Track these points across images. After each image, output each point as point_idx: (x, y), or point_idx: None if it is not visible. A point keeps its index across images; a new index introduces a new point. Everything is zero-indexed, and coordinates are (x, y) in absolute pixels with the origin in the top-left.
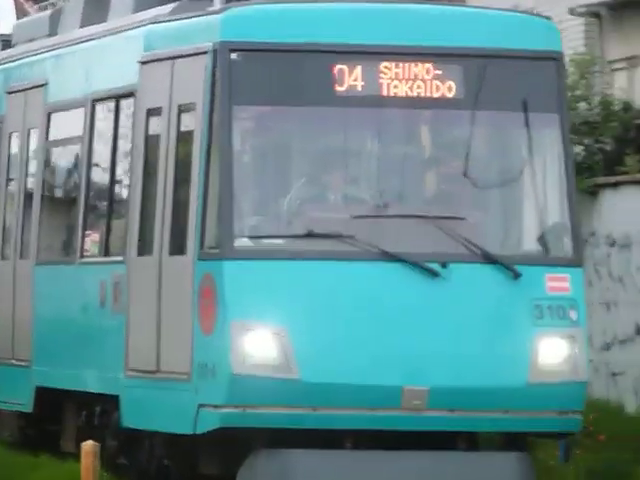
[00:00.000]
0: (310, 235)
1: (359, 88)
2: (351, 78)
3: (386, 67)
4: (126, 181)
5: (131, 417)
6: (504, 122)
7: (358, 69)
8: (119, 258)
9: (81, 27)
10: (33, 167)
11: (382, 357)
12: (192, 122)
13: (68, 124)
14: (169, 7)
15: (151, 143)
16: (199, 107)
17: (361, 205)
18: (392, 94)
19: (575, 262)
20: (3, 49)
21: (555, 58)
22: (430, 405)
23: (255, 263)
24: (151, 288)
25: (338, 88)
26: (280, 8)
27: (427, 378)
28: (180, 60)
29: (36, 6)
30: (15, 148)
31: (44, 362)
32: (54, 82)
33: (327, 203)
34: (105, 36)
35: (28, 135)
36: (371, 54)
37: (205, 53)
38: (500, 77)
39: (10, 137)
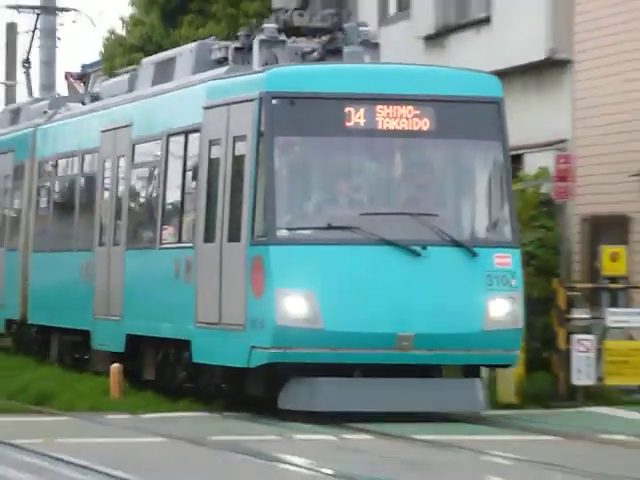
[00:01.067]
0: (329, 227)
1: (362, 124)
2: (356, 116)
3: (380, 109)
4: (192, 190)
5: (200, 355)
6: (463, 146)
7: (361, 110)
8: (189, 244)
9: (152, 85)
10: (122, 182)
11: (381, 312)
12: (243, 148)
13: (148, 152)
14: (222, 70)
15: (212, 163)
16: (249, 137)
17: (364, 206)
18: (385, 128)
19: (514, 245)
20: (92, 102)
21: (497, 102)
22: (415, 346)
23: (291, 247)
24: (214, 266)
25: (347, 124)
26: (305, 68)
27: (413, 327)
28: (234, 105)
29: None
30: (108, 170)
31: (131, 317)
32: (137, 123)
33: (340, 204)
34: (175, 90)
35: (118, 160)
36: (370, 100)
37: (253, 100)
38: (460, 114)
39: (104, 162)
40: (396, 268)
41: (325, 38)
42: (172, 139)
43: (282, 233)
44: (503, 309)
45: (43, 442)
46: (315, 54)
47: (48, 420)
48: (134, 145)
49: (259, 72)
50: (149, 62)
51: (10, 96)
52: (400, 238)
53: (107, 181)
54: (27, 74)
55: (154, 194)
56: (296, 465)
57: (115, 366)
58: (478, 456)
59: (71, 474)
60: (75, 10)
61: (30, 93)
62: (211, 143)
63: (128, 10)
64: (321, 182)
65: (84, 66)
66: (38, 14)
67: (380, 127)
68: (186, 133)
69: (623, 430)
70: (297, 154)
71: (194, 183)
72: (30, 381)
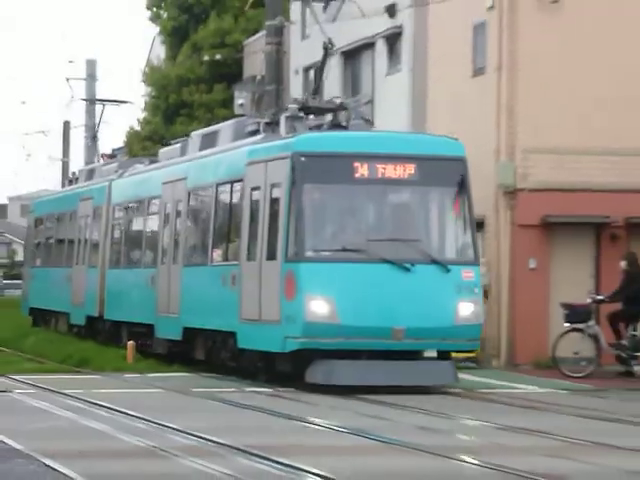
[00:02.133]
0: (343, 250)
1: (365, 175)
2: (362, 169)
3: (379, 164)
4: (236, 223)
5: (243, 342)
6: (438, 192)
7: (365, 165)
8: (235, 262)
9: (200, 150)
10: (179, 219)
11: (381, 311)
12: (278, 192)
13: (200, 197)
14: (259, 137)
15: (253, 204)
16: (284, 184)
17: (368, 234)
18: (382, 177)
19: (475, 263)
20: (150, 163)
21: (462, 159)
22: (405, 336)
23: (316, 264)
24: (255, 277)
25: (355, 175)
26: (324, 135)
27: (404, 322)
28: (271, 162)
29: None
30: (168, 210)
31: (186, 314)
32: (191, 177)
33: (350, 233)
34: (222, 153)
35: (177, 204)
36: (371, 157)
37: (287, 158)
38: (435, 168)
39: (165, 206)
40: (392, 279)
41: (330, 116)
42: (220, 187)
43: (309, 254)
44: (469, 310)
45: (82, 392)
46: (324, 127)
47: (86, 377)
48: (189, 192)
49: (291, 138)
50: (196, 135)
51: (65, 169)
52: (394, 258)
53: (167, 219)
54: (95, 149)
55: (205, 227)
56: (245, 406)
57: (130, 343)
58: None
59: (101, 413)
60: (131, 102)
61: (91, 162)
62: (252, 189)
63: (142, 114)
64: (336, 217)
65: (113, 150)
66: (104, 105)
67: (379, 177)
68: (231, 183)
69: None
70: (319, 197)
71: (239, 218)
72: (75, 351)
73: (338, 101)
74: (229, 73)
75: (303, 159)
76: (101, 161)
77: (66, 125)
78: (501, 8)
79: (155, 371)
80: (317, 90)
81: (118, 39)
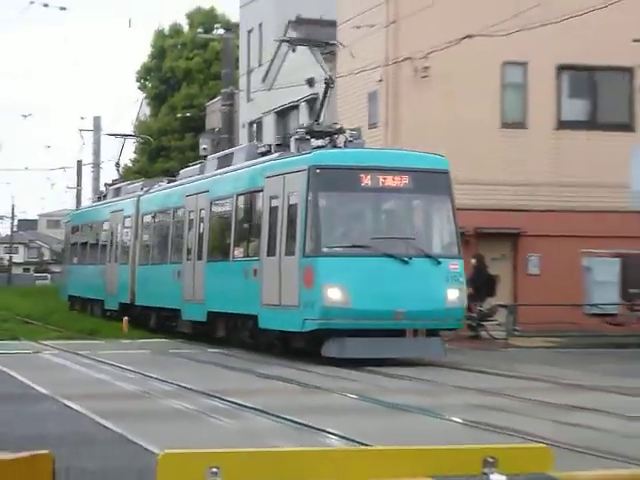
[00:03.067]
0: (352, 246)
1: (370, 184)
2: (366, 180)
3: (380, 175)
4: (256, 226)
5: (264, 323)
6: (428, 198)
7: (369, 176)
8: (256, 258)
9: (217, 169)
10: (202, 224)
11: (384, 297)
12: (296, 199)
13: (221, 206)
14: (275, 155)
15: (272, 210)
16: (301, 192)
17: (372, 233)
18: (382, 186)
19: (459, 257)
20: (168, 182)
21: (447, 172)
22: (405, 317)
23: (331, 258)
24: (275, 270)
25: (361, 184)
26: (335, 151)
27: (404, 306)
28: (288, 174)
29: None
30: (192, 217)
31: (210, 300)
32: (212, 190)
33: (358, 233)
34: (240, 170)
35: (200, 212)
36: (374, 170)
37: (304, 170)
38: (426, 179)
39: (189, 214)
40: (393, 271)
41: (329, 138)
42: (240, 197)
43: (325, 250)
44: (455, 295)
45: (91, 352)
46: (326, 147)
47: (93, 342)
48: (211, 202)
49: (307, 154)
50: (212, 157)
51: (79, 195)
52: (395, 252)
53: (191, 224)
54: (119, 175)
55: (227, 229)
56: (207, 362)
57: (125, 319)
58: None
59: (104, 367)
60: (147, 138)
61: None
62: (271, 197)
63: (133, 155)
64: (346, 219)
65: (113, 180)
66: (125, 139)
67: (380, 186)
68: (251, 193)
69: None
70: (331, 203)
71: (258, 222)
72: (86, 325)
73: (337, 127)
74: (196, 126)
75: (318, 171)
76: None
77: (79, 163)
78: (387, 81)
79: (143, 338)
80: (318, 117)
81: (116, 101)
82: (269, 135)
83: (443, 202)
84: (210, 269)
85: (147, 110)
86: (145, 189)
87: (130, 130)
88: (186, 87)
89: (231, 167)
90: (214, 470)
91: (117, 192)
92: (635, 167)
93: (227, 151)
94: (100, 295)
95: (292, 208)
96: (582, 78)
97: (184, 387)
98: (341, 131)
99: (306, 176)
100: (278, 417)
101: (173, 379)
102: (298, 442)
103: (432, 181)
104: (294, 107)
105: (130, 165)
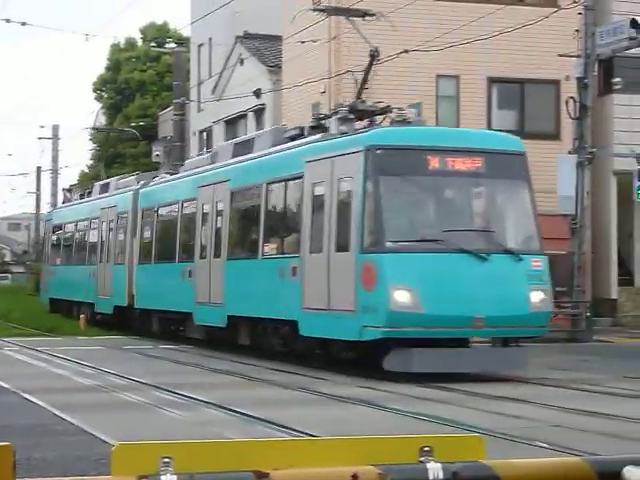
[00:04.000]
0: (422, 240)
1: (438, 167)
2: (435, 162)
3: (450, 157)
4: (293, 218)
5: (307, 330)
6: (505, 184)
7: (437, 158)
8: (295, 254)
9: (232, 157)
10: (220, 217)
11: (461, 300)
12: (349, 185)
13: (245, 196)
14: (316, 137)
15: (316, 198)
16: (356, 178)
17: (444, 224)
18: (453, 170)
19: (542, 253)
20: (172, 175)
21: (523, 154)
22: (485, 324)
23: (397, 255)
24: (321, 269)
25: (428, 167)
26: (397, 129)
27: (483, 311)
28: (338, 157)
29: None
30: (206, 210)
31: (231, 303)
32: (233, 178)
33: (427, 224)
34: (269, 155)
35: (216, 204)
36: (442, 151)
37: (359, 152)
38: (501, 162)
39: (203, 207)
40: (469, 269)
41: (377, 118)
42: (271, 186)
43: (389, 245)
44: (539, 297)
45: (50, 348)
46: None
47: (52, 339)
48: (232, 193)
49: (363, 133)
50: (226, 144)
51: (38, 199)
52: (471, 248)
53: (205, 217)
54: (68, 191)
55: (254, 223)
56: (160, 357)
57: (82, 316)
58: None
59: (62, 362)
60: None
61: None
62: (314, 184)
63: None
64: (412, 208)
65: (70, 185)
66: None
67: (450, 169)
68: (285, 181)
69: None
70: (395, 189)
71: (296, 213)
72: (45, 322)
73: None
74: (149, 134)
75: (378, 152)
76: (61, 194)
77: (38, 169)
78: (330, 92)
79: (99, 335)
80: (360, 94)
81: (74, 111)
82: (219, 143)
83: (521, 188)
84: (231, 268)
85: (103, 119)
86: (142, 182)
87: (88, 139)
88: (140, 98)
89: (254, 154)
90: (166, 460)
91: (105, 188)
92: (561, 174)
93: (245, 137)
94: (90, 298)
95: (344, 196)
96: (511, 90)
97: (138, 381)
98: (388, 110)
99: (363, 158)
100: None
101: (127, 373)
102: None
103: (509, 164)
104: (242, 116)
105: (87, 171)
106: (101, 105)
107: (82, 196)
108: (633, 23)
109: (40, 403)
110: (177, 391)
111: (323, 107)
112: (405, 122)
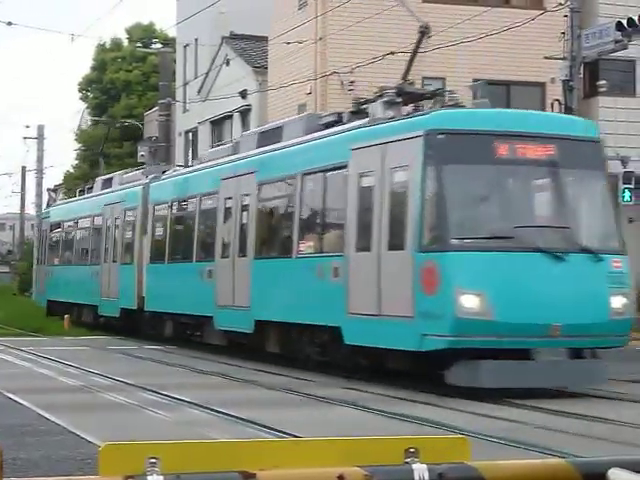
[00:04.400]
0: (491, 237)
1: (509, 155)
2: (504, 149)
3: (521, 143)
4: (335, 212)
5: (351, 338)
6: (581, 175)
7: (506, 144)
8: (338, 253)
9: (257, 147)
10: (246, 212)
11: (537, 306)
12: (405, 175)
13: (275, 189)
14: (362, 122)
15: (363, 190)
16: (413, 167)
17: (515, 220)
18: (524, 158)
19: (624, 253)
20: (187, 167)
21: (598, 141)
22: (562, 333)
23: (464, 254)
24: (370, 269)
25: (497, 155)
26: (461, 111)
27: (561, 318)
28: (392, 144)
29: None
30: (229, 204)
31: (259, 307)
32: (262, 169)
33: (496, 219)
34: (305, 144)
35: (241, 198)
36: (513, 136)
37: (418, 137)
38: (577, 150)
39: (226, 201)
40: (545, 270)
41: (427, 102)
42: (307, 177)
43: (454, 242)
44: (620, 302)
45: (34, 348)
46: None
47: (37, 339)
48: (259, 185)
49: (423, 115)
50: (249, 133)
51: (22, 198)
52: (546, 246)
53: (229, 213)
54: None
55: (286, 218)
56: (145, 358)
57: (67, 316)
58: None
59: (47, 362)
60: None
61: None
62: (360, 175)
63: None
64: (479, 201)
65: (55, 185)
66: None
67: (521, 157)
68: (325, 171)
69: None
70: (459, 179)
71: (339, 207)
72: (30, 322)
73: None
74: (134, 135)
75: (441, 137)
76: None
77: (23, 169)
78: (316, 93)
79: (83, 335)
80: (407, 75)
81: (59, 111)
82: (205, 143)
83: (599, 180)
84: (259, 268)
85: (89, 119)
86: (152, 176)
87: (73, 139)
88: (125, 98)
89: (284, 143)
90: (153, 460)
91: (108, 183)
92: None
93: (272, 125)
94: (93, 300)
95: (398, 187)
96: (497, 92)
97: (123, 382)
98: (439, 93)
99: (423, 144)
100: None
101: (112, 374)
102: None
103: (585, 152)
104: (228, 117)
105: (72, 171)
106: (86, 105)
107: (82, 192)
108: (619, 26)
109: (25, 403)
110: (162, 391)
111: (309, 108)
112: (458, 107)
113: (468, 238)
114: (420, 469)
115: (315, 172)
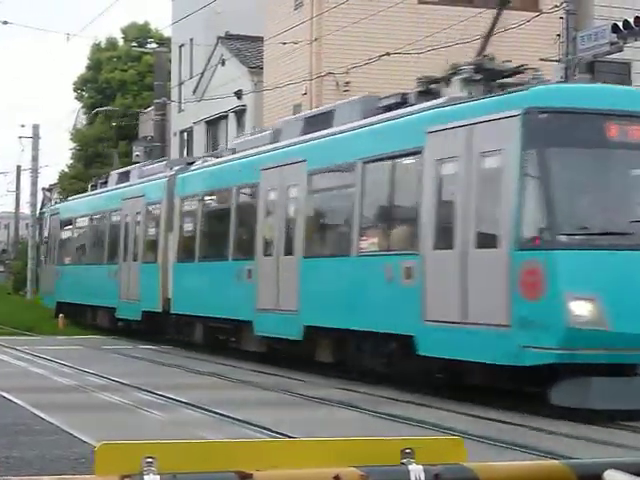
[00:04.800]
0: (605, 233)
1: (621, 137)
2: (615, 130)
3: (636, 125)
4: (406, 204)
5: (427, 348)
6: None
7: (619, 125)
8: (411, 252)
9: (301, 134)
10: (292, 206)
11: None
12: (497, 161)
13: (331, 179)
14: (441, 101)
15: (442, 178)
16: (509, 150)
17: (632, 213)
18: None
19: None
20: (216, 158)
21: None
22: None
23: (575, 252)
24: (452, 269)
25: (608, 136)
26: (566, 86)
27: None
28: (480, 125)
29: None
30: (272, 197)
31: (309, 311)
32: (312, 157)
33: (610, 211)
34: (363, 128)
35: (287, 190)
36: (626, 116)
37: (515, 116)
38: None
39: (268, 193)
40: None
41: (511, 80)
42: (368, 165)
43: (563, 239)
44: None
45: (29, 348)
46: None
47: (31, 338)
48: (310, 175)
49: (520, 91)
50: (292, 119)
51: (17, 197)
52: None
53: (271, 206)
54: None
55: (343, 211)
56: (139, 358)
57: (61, 316)
58: None
59: (41, 362)
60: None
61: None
62: (438, 161)
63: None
64: (589, 191)
65: (50, 185)
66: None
67: (638, 140)
68: (394, 158)
69: None
70: (565, 165)
71: (411, 198)
72: (23, 321)
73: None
74: (129, 134)
75: (542, 116)
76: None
77: (18, 168)
78: (311, 94)
79: (78, 334)
80: (483, 50)
81: (54, 110)
82: (200, 143)
83: None
84: (310, 268)
85: (84, 119)
86: (178, 168)
87: (68, 138)
88: (121, 97)
89: (338, 128)
90: (149, 460)
91: (124, 177)
92: None
93: (319, 109)
94: (110, 302)
95: (489, 174)
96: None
97: (117, 381)
98: (522, 70)
99: (521, 124)
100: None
101: (106, 373)
102: None
103: None
104: (223, 117)
105: (67, 171)
106: (81, 104)
107: (94, 187)
108: (614, 28)
109: (19, 402)
110: (156, 391)
111: (304, 109)
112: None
113: (578, 234)
114: (416, 470)
115: (380, 159)
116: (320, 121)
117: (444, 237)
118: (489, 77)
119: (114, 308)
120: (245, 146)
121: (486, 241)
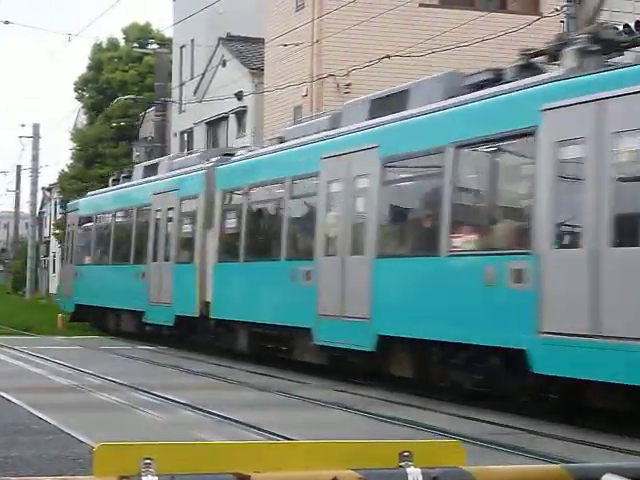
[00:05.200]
0: None
1: None
2: None
3: None
4: (510, 195)
5: (543, 366)
6: None
7: None
8: (520, 250)
9: (369, 118)
10: (360, 198)
11: None
12: (636, 142)
13: (410, 168)
14: (558, 74)
15: (563, 162)
16: None
17: None
18: None
19: None
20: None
21: None
22: None
23: None
24: (579, 272)
25: None
26: None
27: None
28: (614, 99)
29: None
30: (334, 189)
31: (384, 319)
32: (385, 143)
33: None
34: (450, 109)
35: (353, 181)
36: None
37: None
38: None
39: (329, 185)
40: None
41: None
42: (460, 151)
43: None
44: None
45: (27, 347)
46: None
47: (30, 338)
48: (383, 163)
49: None
50: (356, 101)
51: (17, 197)
52: None
53: (333, 199)
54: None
55: (427, 205)
56: (136, 358)
57: (60, 316)
58: None
59: (40, 362)
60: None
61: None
62: (558, 145)
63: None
64: None
65: (49, 184)
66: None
67: None
68: (494, 141)
69: None
70: None
71: (519, 188)
72: (21, 321)
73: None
74: (129, 135)
75: None
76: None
77: (18, 168)
78: (312, 96)
79: (77, 335)
80: (594, 19)
81: (55, 110)
82: (200, 144)
83: None
84: (385, 269)
85: (84, 119)
86: (216, 159)
87: (68, 138)
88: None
89: (416, 110)
90: (147, 461)
91: (151, 170)
92: None
93: (391, 89)
94: (136, 305)
95: (629, 157)
96: None
97: (115, 382)
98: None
99: None
100: None
101: (104, 373)
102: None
103: None
104: (224, 118)
105: (67, 171)
106: (82, 105)
107: (116, 181)
108: None
109: (17, 402)
110: (154, 392)
111: (305, 111)
112: None
113: None
114: (414, 473)
115: (476, 143)
116: (392, 103)
117: (568, 234)
118: (606, 48)
119: (141, 312)
120: (297, 134)
121: (625, 239)
